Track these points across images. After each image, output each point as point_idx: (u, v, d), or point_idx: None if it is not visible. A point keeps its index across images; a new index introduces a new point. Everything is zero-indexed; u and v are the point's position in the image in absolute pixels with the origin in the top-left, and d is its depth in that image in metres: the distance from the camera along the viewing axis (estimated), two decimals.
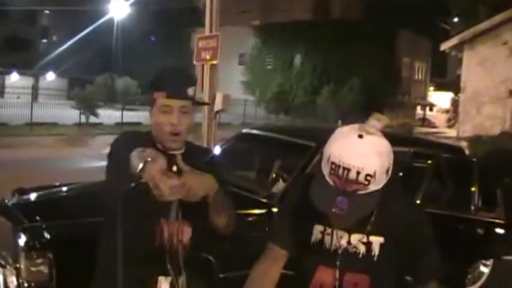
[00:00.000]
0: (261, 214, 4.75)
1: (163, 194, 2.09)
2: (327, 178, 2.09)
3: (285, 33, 50.06)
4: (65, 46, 56.46)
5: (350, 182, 2.03)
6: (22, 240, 4.01)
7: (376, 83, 45.06)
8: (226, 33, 12.17)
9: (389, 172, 2.09)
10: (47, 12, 68.50)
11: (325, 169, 2.10)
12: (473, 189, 5.60)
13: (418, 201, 4.84)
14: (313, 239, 2.39)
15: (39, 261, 3.88)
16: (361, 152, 2.02)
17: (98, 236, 2.73)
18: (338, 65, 46.12)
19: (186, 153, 2.55)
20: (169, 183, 2.10)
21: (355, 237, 2.31)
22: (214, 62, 10.54)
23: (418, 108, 64.26)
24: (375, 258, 2.30)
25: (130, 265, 2.35)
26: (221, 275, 4.35)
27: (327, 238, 2.36)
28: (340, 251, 2.33)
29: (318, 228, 2.39)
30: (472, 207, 5.53)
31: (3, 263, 4.43)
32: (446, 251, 4.67)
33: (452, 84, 42.28)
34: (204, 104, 6.88)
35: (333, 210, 2.07)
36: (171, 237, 2.51)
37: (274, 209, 4.73)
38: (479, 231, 5.50)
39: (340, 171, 2.03)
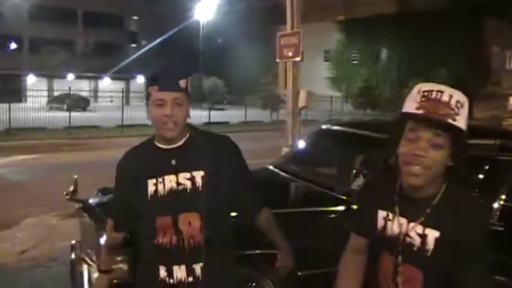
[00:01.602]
0: (339, 211, 4.69)
1: None
2: (415, 111, 2.17)
3: (369, 27, 49.52)
4: (153, 50, 57.88)
5: (443, 103, 2.14)
6: (104, 238, 4.11)
7: (464, 73, 43.82)
8: (310, 30, 12.15)
9: (465, 128, 2.17)
10: (135, 17, 70.35)
11: (412, 104, 2.19)
12: None
13: (503, 196, 4.65)
14: (378, 225, 2.40)
15: (120, 258, 3.95)
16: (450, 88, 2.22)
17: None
18: (425, 57, 45.17)
19: (187, 145, 2.71)
20: None
21: (412, 227, 2.28)
22: (297, 58, 10.51)
23: (511, 99, 62.06)
24: (429, 253, 2.24)
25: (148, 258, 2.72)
26: (300, 273, 4.31)
27: (389, 224, 2.35)
28: (400, 239, 2.31)
29: (381, 214, 2.40)
30: None
31: (88, 260, 4.57)
32: None
33: None
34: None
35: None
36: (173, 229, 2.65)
37: (353, 206, 4.66)
38: None
39: (434, 94, 2.17)
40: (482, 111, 44.81)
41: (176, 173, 2.66)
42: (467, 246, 2.20)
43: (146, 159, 2.73)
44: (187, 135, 2.73)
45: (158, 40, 57.41)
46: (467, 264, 2.20)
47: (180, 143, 2.70)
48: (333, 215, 4.72)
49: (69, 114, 27.66)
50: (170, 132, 2.61)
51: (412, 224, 2.28)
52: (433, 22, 45.96)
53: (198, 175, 2.66)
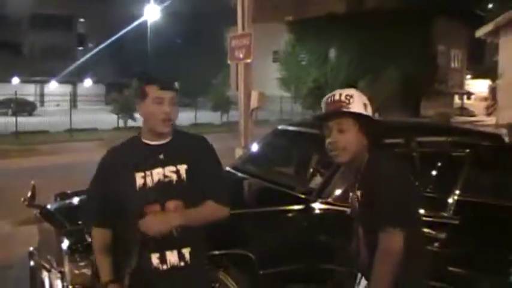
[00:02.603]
0: (299, 209, 4.75)
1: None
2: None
3: (318, 27, 49.79)
4: (101, 52, 57.21)
5: (334, 101, 2.88)
6: (65, 243, 4.08)
7: (412, 72, 44.53)
8: (259, 31, 12.15)
9: (367, 108, 2.87)
10: (81, 20, 69.42)
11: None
12: None
13: (457, 191, 4.78)
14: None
15: (83, 264, 3.94)
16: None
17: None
18: (374, 56, 45.65)
19: (173, 141, 3.00)
20: None
21: (356, 194, 2.98)
22: (248, 60, 10.54)
23: (456, 97, 63.42)
24: (359, 211, 3.00)
25: (132, 245, 2.85)
26: (261, 272, 4.36)
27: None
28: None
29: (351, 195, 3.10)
30: None
31: (48, 266, 4.52)
32: (490, 239, 4.64)
33: (490, 71, 41.57)
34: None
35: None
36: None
37: (313, 204, 4.72)
38: None
39: (328, 99, 2.93)
40: (429, 108, 45.69)
41: (163, 166, 2.92)
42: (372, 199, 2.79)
43: (133, 154, 2.96)
44: (173, 132, 3.00)
45: (106, 43, 56.77)
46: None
47: (168, 139, 2.98)
48: (293, 214, 4.78)
49: (16, 119, 27.09)
50: (166, 128, 2.91)
51: (355, 191, 2.95)
52: (383, 21, 46.50)
53: (182, 168, 2.93)
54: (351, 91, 2.89)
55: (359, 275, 3.07)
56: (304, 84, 48.24)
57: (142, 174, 2.90)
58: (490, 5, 30.45)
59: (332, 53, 50.49)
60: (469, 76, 67.37)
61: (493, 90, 34.01)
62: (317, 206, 4.72)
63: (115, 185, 2.93)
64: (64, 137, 27.05)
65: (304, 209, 4.73)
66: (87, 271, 3.94)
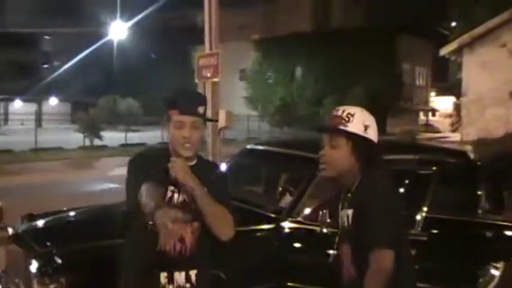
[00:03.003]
0: (269, 229, 4.76)
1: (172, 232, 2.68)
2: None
3: (285, 46, 50.15)
4: (67, 70, 56.67)
5: (335, 116, 2.96)
6: (34, 266, 4.03)
7: (378, 90, 44.99)
8: (226, 49, 12.22)
9: (368, 130, 2.95)
10: (47, 37, 68.77)
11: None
12: (479, 192, 5.62)
13: (425, 208, 4.87)
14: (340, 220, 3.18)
15: (52, 286, 3.89)
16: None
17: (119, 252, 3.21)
18: (340, 74, 46.10)
19: (197, 165, 3.05)
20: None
21: (345, 211, 3.05)
22: (216, 79, 10.58)
23: (421, 113, 64.17)
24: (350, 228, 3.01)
25: (146, 265, 2.93)
26: None
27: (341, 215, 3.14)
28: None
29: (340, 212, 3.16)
30: (480, 211, 5.54)
31: None
32: (456, 255, 4.73)
33: (454, 89, 42.12)
34: (213, 120, 7.20)
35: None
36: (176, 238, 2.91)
37: (283, 223, 4.74)
38: (488, 234, 5.49)
39: (333, 112, 3.01)
40: (395, 126, 46.11)
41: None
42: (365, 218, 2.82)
43: (162, 166, 2.97)
44: (197, 157, 3.10)
45: (72, 61, 56.26)
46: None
47: (193, 163, 3.04)
48: (263, 233, 4.79)
49: None
50: (187, 151, 2.97)
51: (345, 209, 3.01)
52: (348, 40, 47.02)
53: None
54: (355, 110, 2.98)
55: None
56: (271, 102, 48.41)
57: (173, 188, 2.98)
58: (454, 23, 30.94)
59: (298, 71, 50.84)
60: (433, 93, 68.25)
61: (457, 107, 34.51)
62: (287, 225, 4.73)
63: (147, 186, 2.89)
64: (29, 156, 26.65)
65: (274, 228, 4.74)
66: None
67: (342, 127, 2.93)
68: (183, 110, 2.93)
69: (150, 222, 2.71)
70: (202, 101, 3.06)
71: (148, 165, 3.02)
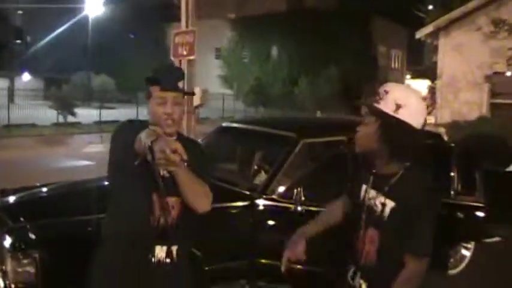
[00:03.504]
0: (244, 206, 4.78)
1: (170, 159, 2.56)
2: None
3: (260, 25, 49.89)
4: (40, 46, 56.02)
5: (375, 93, 2.79)
6: (7, 241, 4.01)
7: (353, 71, 45.13)
8: (202, 27, 12.18)
9: (400, 110, 2.69)
10: (19, 12, 67.76)
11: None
12: (452, 174, 5.70)
13: None
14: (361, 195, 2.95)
15: (26, 261, 3.87)
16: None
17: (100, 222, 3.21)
18: (315, 55, 46.05)
19: (179, 140, 2.94)
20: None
21: (377, 197, 2.83)
22: (192, 57, 10.54)
23: None
24: (385, 218, 2.77)
25: (130, 237, 2.90)
26: (206, 268, 4.37)
27: (366, 195, 2.92)
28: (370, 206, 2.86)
29: (363, 187, 2.94)
30: (452, 192, 5.62)
31: None
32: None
33: (429, 72, 42.40)
34: (190, 94, 7.12)
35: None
36: (163, 210, 2.90)
37: (257, 201, 4.76)
38: (460, 215, 5.59)
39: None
40: None
41: None
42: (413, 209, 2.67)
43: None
44: (177, 133, 3.06)
45: (45, 37, 55.58)
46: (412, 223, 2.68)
47: (173, 139, 2.95)
48: (237, 210, 4.81)
49: None
50: (170, 128, 2.94)
51: (379, 195, 2.81)
52: (323, 20, 46.91)
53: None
54: (391, 87, 2.81)
55: (352, 269, 3.02)
56: (246, 82, 48.29)
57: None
58: (430, 7, 31.04)
59: (274, 51, 50.74)
60: (408, 76, 68.62)
61: (431, 90, 34.75)
62: (261, 203, 4.76)
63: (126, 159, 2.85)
64: (2, 132, 26.36)
65: (249, 205, 4.76)
66: (30, 269, 3.88)
67: (374, 104, 2.76)
68: (164, 86, 2.92)
69: (136, 163, 2.70)
70: (182, 75, 3.07)
71: (134, 133, 2.92)
